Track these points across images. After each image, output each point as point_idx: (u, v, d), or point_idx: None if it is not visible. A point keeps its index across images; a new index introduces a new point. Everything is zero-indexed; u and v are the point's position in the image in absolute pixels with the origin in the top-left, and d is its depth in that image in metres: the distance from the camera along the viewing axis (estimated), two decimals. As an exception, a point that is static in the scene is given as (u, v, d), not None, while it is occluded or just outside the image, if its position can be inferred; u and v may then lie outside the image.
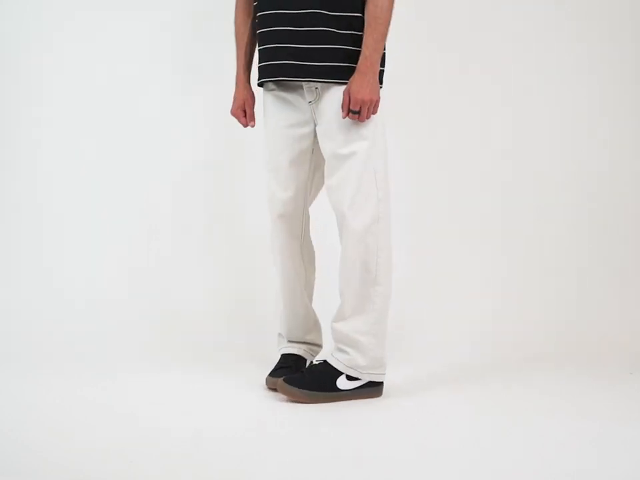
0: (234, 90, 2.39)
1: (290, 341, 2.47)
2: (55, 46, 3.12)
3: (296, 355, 2.44)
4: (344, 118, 2.16)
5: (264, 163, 2.35)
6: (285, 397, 2.21)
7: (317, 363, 2.37)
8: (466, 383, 2.42)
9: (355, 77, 2.14)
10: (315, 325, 2.49)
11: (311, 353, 2.49)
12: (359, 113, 2.14)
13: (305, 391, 2.19)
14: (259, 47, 2.30)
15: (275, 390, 2.29)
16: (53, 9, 3.11)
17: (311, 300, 2.47)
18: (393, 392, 2.32)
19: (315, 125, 2.27)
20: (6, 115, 3.13)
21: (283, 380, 2.21)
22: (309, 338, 2.47)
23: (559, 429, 1.99)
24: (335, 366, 2.25)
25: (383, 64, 2.24)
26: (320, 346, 2.52)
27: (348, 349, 2.24)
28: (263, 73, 2.28)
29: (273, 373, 2.35)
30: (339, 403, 2.21)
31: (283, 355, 2.44)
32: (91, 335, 2.84)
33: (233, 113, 2.39)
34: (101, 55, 3.13)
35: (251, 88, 2.38)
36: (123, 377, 2.43)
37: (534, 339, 2.89)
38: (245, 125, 2.39)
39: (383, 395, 2.29)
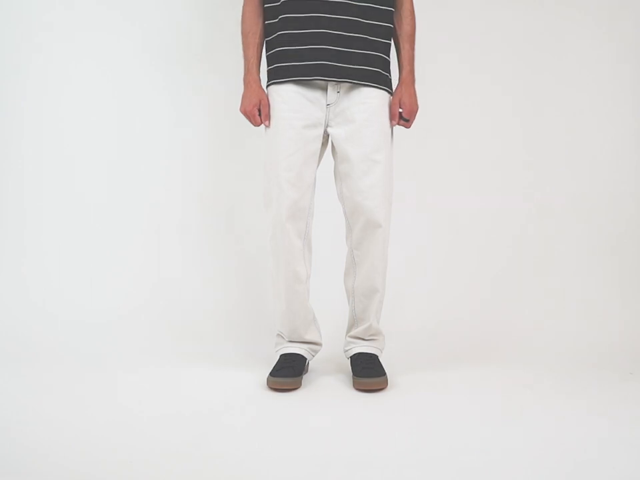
0: (245, 89, 2.38)
1: (291, 341, 2.48)
2: (54, 44, 3.11)
3: (297, 354, 2.45)
4: (394, 125, 2.39)
5: (274, 162, 2.34)
6: (373, 389, 2.30)
7: (355, 355, 2.44)
8: (466, 383, 2.42)
9: (403, 88, 2.39)
10: (314, 324, 2.50)
11: (311, 352, 2.50)
12: (407, 120, 2.39)
13: (384, 376, 2.34)
14: (280, 47, 2.33)
15: (276, 390, 2.30)
16: (53, 8, 3.11)
17: (308, 298, 2.48)
18: (393, 391, 2.32)
19: (326, 127, 2.35)
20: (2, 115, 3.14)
21: (362, 377, 2.32)
22: (308, 337, 2.48)
23: (558, 428, 1.99)
24: (376, 353, 2.46)
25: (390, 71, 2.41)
26: (319, 344, 2.53)
27: (377, 336, 2.49)
28: (288, 72, 2.31)
29: (275, 373, 2.35)
30: (340, 401, 2.24)
31: (283, 355, 2.45)
32: (89, 335, 2.84)
33: (249, 112, 2.37)
34: (100, 55, 3.13)
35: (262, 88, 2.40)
36: (122, 377, 2.43)
37: (534, 339, 2.89)
38: (259, 124, 2.39)
39: (383, 394, 2.29)
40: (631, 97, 3.23)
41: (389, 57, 2.39)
